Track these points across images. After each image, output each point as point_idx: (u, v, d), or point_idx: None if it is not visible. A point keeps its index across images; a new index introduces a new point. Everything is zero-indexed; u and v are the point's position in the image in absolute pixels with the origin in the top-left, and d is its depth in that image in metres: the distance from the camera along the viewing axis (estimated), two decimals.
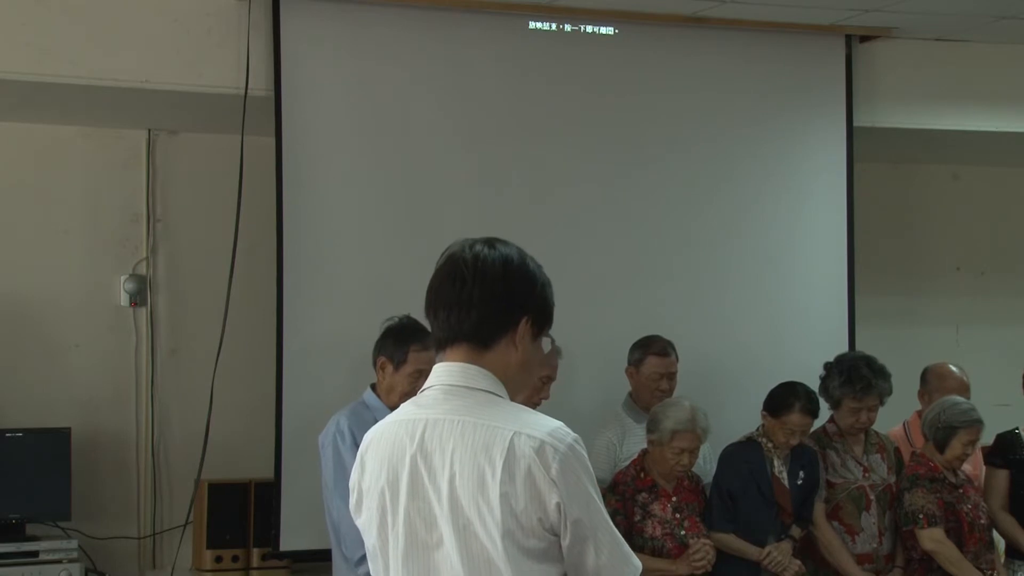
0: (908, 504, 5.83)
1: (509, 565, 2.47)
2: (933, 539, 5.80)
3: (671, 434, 5.50)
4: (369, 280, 6.18)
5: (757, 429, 5.85)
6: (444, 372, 2.62)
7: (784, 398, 5.77)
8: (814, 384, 5.94)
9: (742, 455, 5.79)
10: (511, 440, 2.49)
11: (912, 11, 6.60)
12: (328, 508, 4.76)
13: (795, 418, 5.73)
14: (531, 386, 5.24)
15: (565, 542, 2.49)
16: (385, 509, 2.60)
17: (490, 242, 2.63)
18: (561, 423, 2.56)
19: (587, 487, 2.52)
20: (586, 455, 2.55)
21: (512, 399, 2.62)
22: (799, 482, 5.79)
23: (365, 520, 2.66)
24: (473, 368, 2.59)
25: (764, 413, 5.82)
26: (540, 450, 2.48)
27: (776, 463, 5.78)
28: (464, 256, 2.60)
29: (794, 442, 5.78)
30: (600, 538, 2.51)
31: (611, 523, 2.55)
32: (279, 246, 6.13)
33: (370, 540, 2.65)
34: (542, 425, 2.53)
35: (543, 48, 6.52)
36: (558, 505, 2.47)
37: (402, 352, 4.68)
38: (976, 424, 5.87)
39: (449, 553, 2.51)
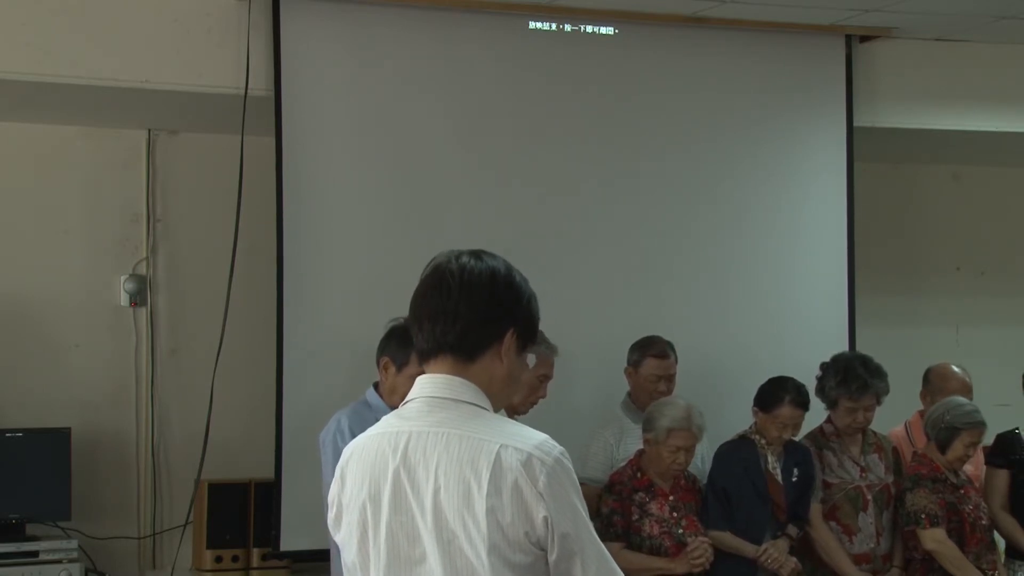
0: (910, 504, 5.83)
1: None
2: (935, 539, 5.80)
3: (667, 432, 5.50)
4: (369, 280, 6.18)
5: (750, 427, 5.85)
6: (428, 384, 2.59)
7: (774, 392, 5.78)
8: (813, 384, 5.94)
9: (736, 453, 5.80)
10: (497, 453, 2.46)
11: (912, 11, 6.60)
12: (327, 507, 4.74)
13: (786, 411, 5.73)
14: (522, 395, 5.26)
15: (552, 557, 2.46)
16: (366, 524, 2.56)
17: (477, 254, 2.60)
18: (547, 436, 2.52)
19: (575, 501, 2.49)
20: (572, 468, 2.51)
21: (495, 411, 2.59)
22: (793, 479, 5.79)
23: (344, 535, 2.61)
24: (457, 380, 2.56)
25: (755, 409, 5.83)
26: (527, 463, 2.45)
27: (770, 459, 5.79)
28: (450, 267, 2.57)
29: (786, 436, 5.78)
30: (588, 553, 2.48)
31: (598, 538, 2.52)
32: (279, 246, 6.13)
33: (349, 556, 2.61)
34: (528, 438, 2.50)
35: (543, 48, 6.52)
36: (545, 519, 2.44)
37: (405, 353, 4.66)
38: (979, 426, 5.87)
39: (433, 568, 2.47)
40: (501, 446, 2.47)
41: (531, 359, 2.66)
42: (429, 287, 2.58)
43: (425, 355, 2.60)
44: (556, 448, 2.50)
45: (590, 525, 2.51)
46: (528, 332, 2.61)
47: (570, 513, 2.47)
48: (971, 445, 5.88)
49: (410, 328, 2.63)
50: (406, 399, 2.62)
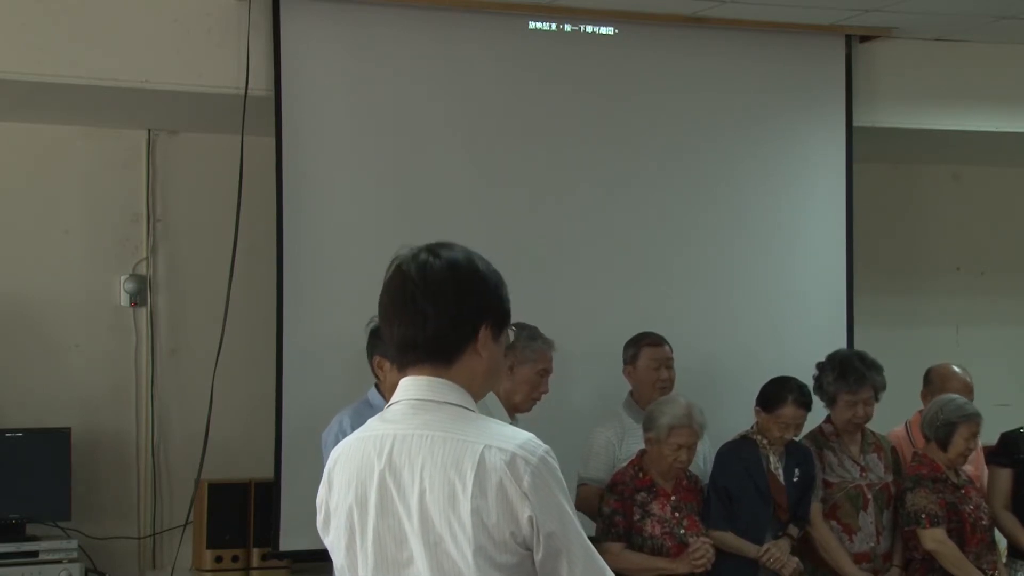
0: (910, 504, 5.84)
1: None
2: (935, 539, 5.81)
3: (668, 430, 5.51)
4: (369, 280, 6.06)
5: (752, 427, 5.86)
6: (412, 386, 2.56)
7: (777, 392, 5.79)
8: (812, 383, 5.95)
9: (737, 453, 5.80)
10: (481, 453, 2.44)
11: (912, 11, 6.61)
12: None
13: (789, 411, 5.74)
14: (523, 393, 5.26)
15: (538, 556, 2.45)
16: (353, 527, 2.55)
17: (434, 250, 2.57)
18: (532, 435, 2.50)
19: (560, 500, 2.46)
20: (558, 467, 2.49)
21: (490, 393, 2.57)
22: (795, 479, 5.80)
23: (333, 539, 2.60)
24: (438, 381, 2.54)
25: (757, 409, 5.83)
26: (511, 463, 2.43)
27: (772, 459, 5.79)
28: (410, 271, 2.55)
29: (788, 436, 5.79)
30: (574, 551, 2.46)
31: (584, 536, 2.50)
32: (279, 246, 6.13)
33: (338, 559, 2.60)
34: (512, 437, 2.48)
35: (543, 48, 6.52)
36: (530, 519, 2.43)
37: None
38: (975, 417, 5.89)
39: (420, 570, 2.47)
40: (485, 447, 2.45)
41: (510, 334, 2.63)
42: (394, 293, 2.56)
43: (402, 362, 2.58)
44: (541, 447, 2.48)
45: (577, 523, 2.49)
46: (500, 319, 2.58)
47: (556, 512, 2.45)
48: (971, 437, 5.89)
49: (382, 333, 2.61)
50: (390, 402, 2.61)
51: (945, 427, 5.87)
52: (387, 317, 2.58)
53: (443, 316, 2.52)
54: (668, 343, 6.04)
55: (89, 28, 5.95)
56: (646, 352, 6.00)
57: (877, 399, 5.98)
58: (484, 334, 2.55)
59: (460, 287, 2.53)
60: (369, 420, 2.64)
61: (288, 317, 6.12)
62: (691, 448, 5.56)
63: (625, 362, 6.06)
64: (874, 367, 5.96)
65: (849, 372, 5.93)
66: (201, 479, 6.33)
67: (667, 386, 5.93)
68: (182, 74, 6.06)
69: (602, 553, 2.58)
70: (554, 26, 6.53)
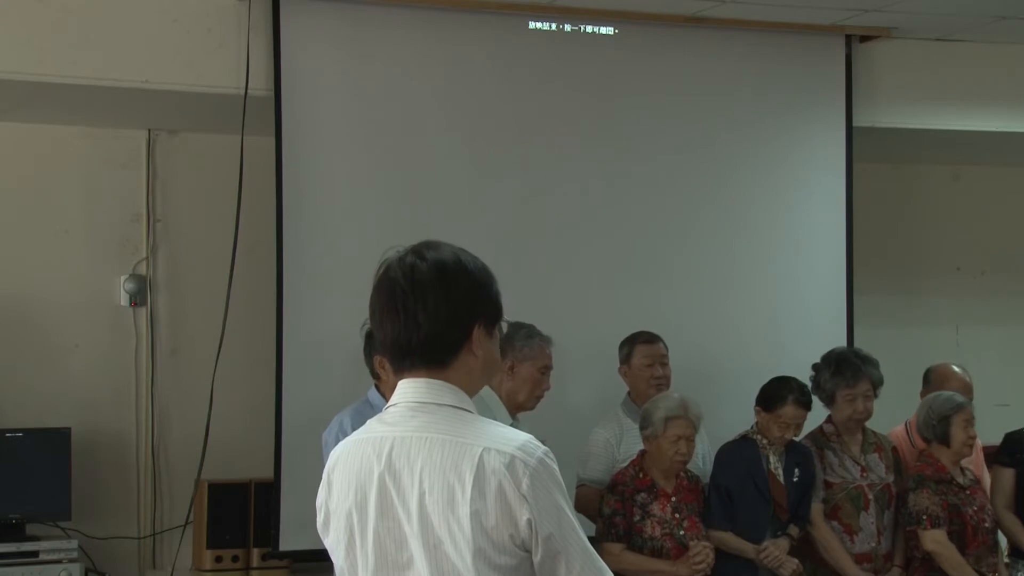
0: (912, 504, 5.84)
1: None
2: (935, 540, 5.81)
3: (665, 423, 5.51)
4: (369, 280, 6.10)
5: (752, 427, 5.86)
6: (410, 388, 2.56)
7: (777, 391, 5.79)
8: (809, 384, 5.96)
9: (737, 452, 5.80)
10: (480, 456, 2.44)
11: (912, 11, 6.61)
12: None
13: (789, 411, 5.74)
14: (526, 392, 5.26)
15: (536, 558, 2.45)
16: (353, 529, 2.55)
17: (420, 252, 2.55)
18: (531, 436, 2.50)
19: (559, 501, 2.46)
20: (556, 468, 2.49)
21: (492, 394, 2.57)
22: (795, 479, 5.80)
23: (333, 540, 2.60)
24: (437, 383, 2.54)
25: (758, 408, 5.84)
26: (511, 465, 2.43)
27: (772, 459, 5.79)
28: (397, 276, 2.53)
29: (789, 436, 5.79)
30: (572, 553, 2.46)
31: (584, 537, 2.50)
32: (279, 246, 6.13)
33: (338, 560, 2.60)
34: (511, 440, 2.48)
35: (543, 48, 6.52)
36: (529, 521, 2.43)
37: None
38: (965, 404, 5.94)
39: (420, 572, 2.47)
40: (484, 449, 2.45)
41: (503, 327, 2.61)
42: (384, 296, 2.55)
43: (397, 365, 2.58)
44: (539, 449, 2.48)
45: (575, 523, 2.49)
46: (493, 316, 2.57)
47: (554, 513, 2.45)
48: (967, 425, 5.90)
49: (375, 336, 2.61)
50: (388, 404, 2.61)
51: (941, 423, 5.89)
52: (379, 322, 2.57)
53: (435, 320, 2.51)
54: (663, 341, 6.04)
55: (89, 28, 5.95)
56: (640, 350, 6.00)
57: (876, 395, 5.99)
58: (478, 333, 2.54)
59: (449, 289, 2.52)
60: (368, 421, 2.64)
61: (288, 317, 6.13)
62: (690, 440, 5.55)
63: (620, 361, 6.05)
64: (869, 361, 5.98)
65: (845, 367, 5.94)
66: (201, 479, 6.33)
67: (663, 383, 5.93)
68: (182, 74, 6.06)
69: (602, 554, 2.58)
70: (554, 26, 6.53)
